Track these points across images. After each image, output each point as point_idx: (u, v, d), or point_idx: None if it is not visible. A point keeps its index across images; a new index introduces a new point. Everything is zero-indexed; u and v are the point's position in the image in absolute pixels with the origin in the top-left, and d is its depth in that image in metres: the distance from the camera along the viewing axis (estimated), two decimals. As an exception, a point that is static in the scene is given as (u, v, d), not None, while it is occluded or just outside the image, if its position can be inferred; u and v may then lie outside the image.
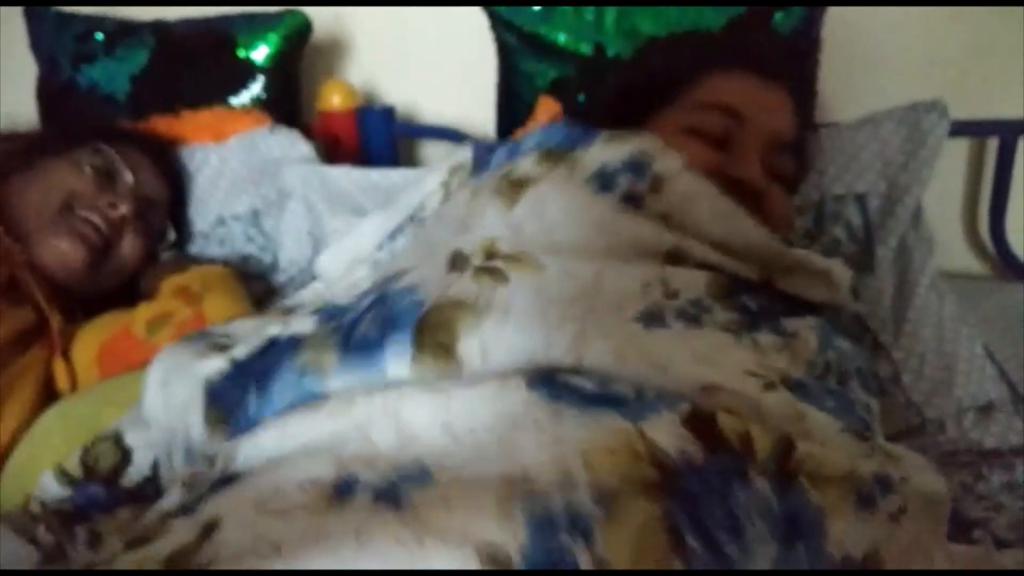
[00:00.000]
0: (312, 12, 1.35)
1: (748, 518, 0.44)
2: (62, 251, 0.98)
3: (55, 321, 0.95)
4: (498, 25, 1.22)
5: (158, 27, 1.33)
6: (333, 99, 1.33)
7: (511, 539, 0.41)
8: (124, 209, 1.02)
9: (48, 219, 0.99)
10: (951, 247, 1.31)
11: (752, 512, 0.44)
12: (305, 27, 1.33)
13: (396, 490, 0.45)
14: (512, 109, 1.22)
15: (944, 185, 1.28)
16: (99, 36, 1.32)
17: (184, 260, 1.11)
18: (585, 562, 0.41)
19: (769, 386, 0.54)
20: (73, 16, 1.37)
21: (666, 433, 0.46)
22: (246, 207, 1.18)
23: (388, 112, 1.37)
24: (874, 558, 0.48)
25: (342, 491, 0.46)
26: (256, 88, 1.30)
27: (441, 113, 1.43)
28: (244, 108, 1.28)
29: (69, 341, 0.96)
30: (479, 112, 1.34)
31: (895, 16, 1.25)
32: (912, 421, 0.86)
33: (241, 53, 1.29)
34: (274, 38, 1.30)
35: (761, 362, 0.56)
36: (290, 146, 1.17)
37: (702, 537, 0.43)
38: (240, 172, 1.18)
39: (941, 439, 0.84)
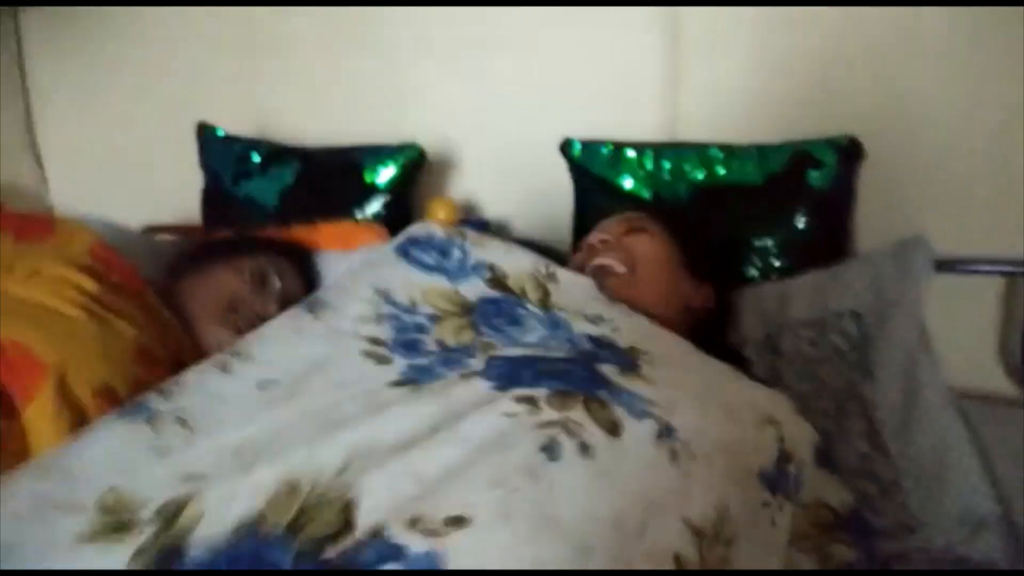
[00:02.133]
0: (423, 134, 1.59)
1: (525, 318, 0.85)
2: (224, 339, 1.17)
3: None
4: (574, 168, 1.44)
5: (303, 152, 1.61)
6: (439, 214, 1.52)
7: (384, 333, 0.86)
8: (273, 308, 1.23)
9: (214, 313, 1.21)
10: (987, 372, 1.42)
11: (528, 316, 0.84)
12: (420, 157, 1.57)
13: None
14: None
15: (980, 312, 1.41)
16: (256, 157, 1.61)
17: None
18: (430, 343, 0.83)
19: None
20: (236, 139, 1.66)
21: (471, 287, 0.89)
22: (365, 306, 1.40)
23: (484, 225, 1.58)
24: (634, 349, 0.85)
25: None
26: (377, 205, 1.54)
27: (529, 228, 1.64)
28: (367, 222, 1.52)
29: None
30: (560, 226, 1.54)
31: (934, 158, 1.38)
32: (908, 523, 0.98)
33: (368, 177, 1.55)
34: (395, 165, 1.55)
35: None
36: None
37: (489, 326, 0.83)
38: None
39: (931, 545, 0.95)
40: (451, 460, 0.65)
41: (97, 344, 1.00)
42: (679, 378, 0.83)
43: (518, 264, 0.97)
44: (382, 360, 0.82)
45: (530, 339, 0.86)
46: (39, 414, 0.89)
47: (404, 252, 1.01)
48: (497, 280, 0.94)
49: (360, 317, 0.90)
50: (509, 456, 0.65)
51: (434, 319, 0.89)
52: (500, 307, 0.90)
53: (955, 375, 1.11)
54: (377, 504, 0.62)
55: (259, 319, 1.21)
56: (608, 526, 0.63)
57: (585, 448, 0.67)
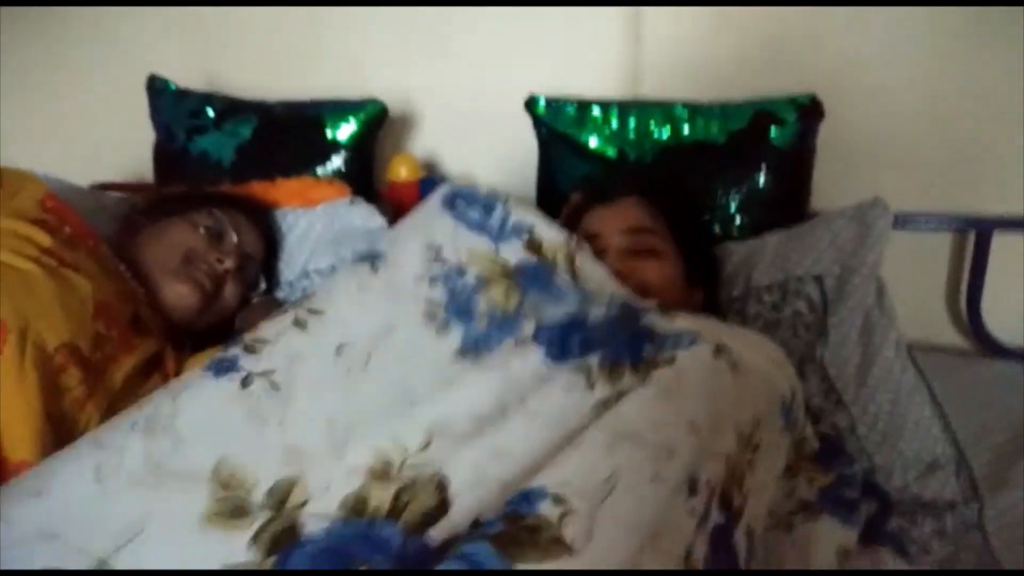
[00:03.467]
0: (385, 91, 1.57)
1: (558, 288, 0.89)
2: (181, 294, 1.18)
3: (168, 350, 1.14)
4: (539, 125, 1.44)
5: (261, 107, 1.57)
6: (400, 171, 1.54)
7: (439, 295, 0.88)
8: (229, 264, 1.23)
9: (170, 268, 1.19)
10: (934, 323, 1.48)
11: (560, 287, 0.89)
12: (382, 113, 1.55)
13: None
14: (550, 196, 1.43)
15: (930, 268, 1.46)
16: (211, 112, 1.57)
17: (273, 304, 1.30)
18: (482, 305, 0.85)
19: None
20: (189, 93, 1.61)
21: (510, 250, 0.92)
22: (327, 264, 1.38)
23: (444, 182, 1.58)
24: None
25: None
26: (338, 162, 1.52)
27: (491, 184, 1.62)
28: (328, 179, 1.50)
29: (180, 369, 1.13)
30: (524, 186, 1.54)
31: (888, 120, 1.42)
32: (864, 466, 1.02)
33: (328, 134, 1.52)
34: (356, 121, 1.52)
35: None
36: (369, 217, 1.38)
37: (531, 285, 0.87)
38: (324, 235, 1.39)
39: (887, 485, 1.01)
40: (526, 435, 0.70)
41: (56, 300, 0.97)
42: (710, 323, 0.89)
43: (552, 234, 0.98)
44: (441, 327, 0.86)
45: (568, 309, 0.88)
46: (2, 373, 0.86)
47: (451, 204, 1.01)
48: (534, 244, 0.96)
49: (416, 276, 0.92)
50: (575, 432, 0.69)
51: (482, 280, 0.91)
52: (536, 274, 0.92)
53: (906, 327, 1.15)
54: (466, 481, 0.66)
55: (214, 274, 1.22)
56: (684, 429, 0.68)
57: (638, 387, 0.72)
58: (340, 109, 1.53)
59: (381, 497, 0.66)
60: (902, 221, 1.30)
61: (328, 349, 0.79)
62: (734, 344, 0.81)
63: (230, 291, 1.25)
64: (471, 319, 0.86)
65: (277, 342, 0.81)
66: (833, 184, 1.40)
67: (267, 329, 0.86)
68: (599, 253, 1.10)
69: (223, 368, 0.79)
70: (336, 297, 0.90)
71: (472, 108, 1.62)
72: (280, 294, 1.40)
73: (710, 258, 1.24)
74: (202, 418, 0.72)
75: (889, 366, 1.11)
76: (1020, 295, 1.39)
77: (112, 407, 0.99)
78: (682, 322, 0.84)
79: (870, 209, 1.18)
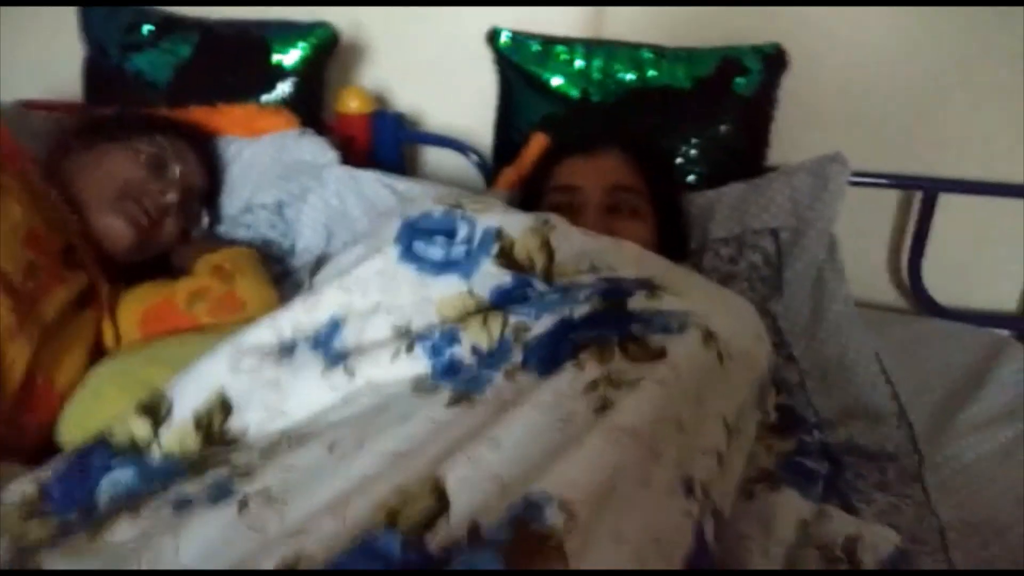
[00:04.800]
0: (335, 19, 1.49)
1: (538, 285, 0.86)
2: (116, 228, 1.11)
3: (102, 285, 1.08)
4: (500, 60, 1.39)
5: (202, 25, 1.46)
6: (351, 103, 1.48)
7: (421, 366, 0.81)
8: (172, 197, 1.15)
9: (106, 199, 1.11)
10: (876, 282, 1.51)
11: (538, 286, 0.85)
12: (333, 38, 1.47)
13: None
14: (508, 134, 1.39)
15: (875, 228, 1.49)
16: (146, 28, 1.46)
17: (213, 240, 1.25)
18: (466, 354, 0.81)
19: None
20: (123, 6, 1.49)
21: (482, 278, 0.86)
22: (272, 198, 1.32)
23: (398, 119, 1.53)
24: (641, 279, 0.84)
25: None
26: (285, 89, 1.44)
27: (445, 123, 1.59)
28: (274, 107, 1.42)
29: (114, 304, 1.08)
30: (481, 125, 1.50)
31: (846, 77, 1.43)
32: (811, 419, 1.04)
33: (275, 57, 1.44)
34: (305, 46, 1.44)
35: None
36: (320, 152, 1.32)
37: (503, 304, 0.84)
38: (271, 167, 1.33)
39: (832, 438, 1.03)
40: (519, 422, 0.67)
41: (-19, 224, 0.90)
42: (698, 293, 0.86)
43: (519, 222, 0.92)
44: (431, 390, 0.80)
45: (552, 298, 0.85)
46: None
47: (409, 250, 0.92)
48: (505, 253, 0.90)
49: (392, 357, 0.85)
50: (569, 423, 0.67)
51: (459, 328, 0.85)
52: (513, 293, 0.87)
53: (851, 285, 1.17)
54: (463, 476, 0.62)
55: (155, 207, 1.14)
56: (672, 428, 0.67)
57: (634, 384, 0.70)
58: (287, 32, 1.45)
59: (378, 508, 0.62)
60: (852, 178, 1.31)
61: (320, 452, 0.74)
62: (722, 320, 0.79)
63: (170, 226, 1.18)
64: (459, 371, 0.81)
65: (268, 464, 0.74)
66: (789, 139, 1.40)
67: (252, 448, 0.79)
68: (578, 208, 1.08)
69: (218, 494, 0.71)
70: (320, 415, 0.83)
71: (428, 40, 1.56)
72: (221, 229, 1.34)
73: (682, 225, 1.22)
74: (205, 552, 0.66)
75: (838, 321, 1.13)
76: (960, 257, 1.44)
77: (44, 341, 0.94)
78: (670, 299, 0.81)
79: (829, 164, 1.19)
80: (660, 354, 0.73)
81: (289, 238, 1.33)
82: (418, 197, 1.06)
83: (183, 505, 0.71)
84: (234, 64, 1.44)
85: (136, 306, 1.09)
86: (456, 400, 0.75)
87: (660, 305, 0.80)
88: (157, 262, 1.18)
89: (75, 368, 0.99)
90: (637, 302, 0.81)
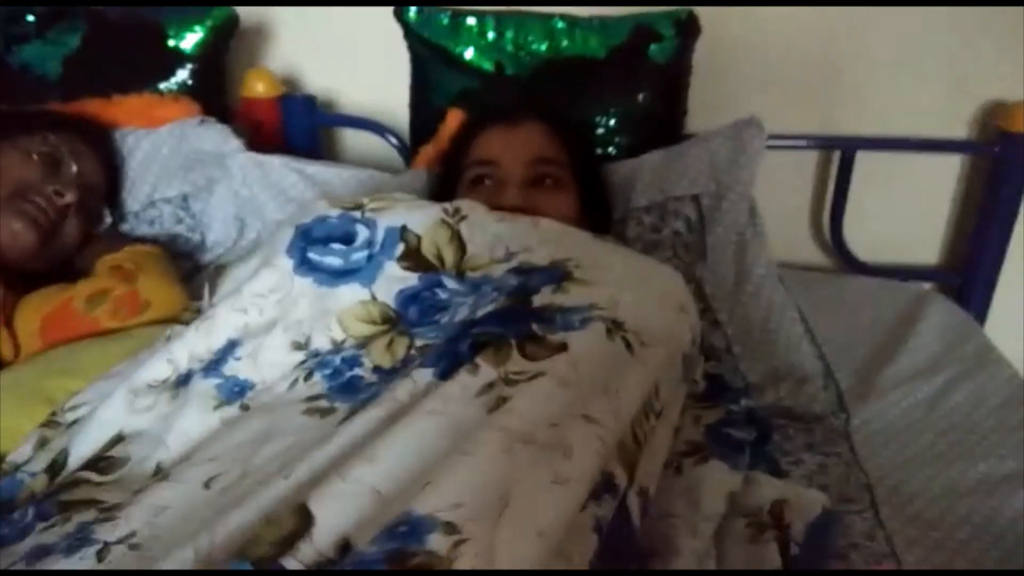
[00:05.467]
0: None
1: (448, 299, 0.81)
2: (15, 231, 1.05)
3: (1, 293, 1.02)
4: (410, 35, 1.34)
5: (91, 13, 1.38)
6: (257, 87, 1.42)
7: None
8: (70, 197, 1.09)
9: (3, 203, 1.05)
10: (800, 243, 1.52)
11: (450, 296, 0.81)
12: (232, 20, 1.40)
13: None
14: (425, 112, 1.35)
15: (796, 189, 1.50)
16: (30, 17, 1.36)
17: (117, 239, 1.18)
18: (367, 374, 0.77)
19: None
20: (1, -3, 1.40)
21: (386, 282, 0.82)
22: (176, 191, 1.26)
23: (310, 101, 1.47)
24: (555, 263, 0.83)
25: None
26: (184, 75, 1.37)
27: (359, 103, 1.53)
28: (173, 95, 1.35)
29: (11, 312, 1.02)
30: (397, 104, 1.45)
31: (758, 41, 1.42)
32: (738, 384, 1.03)
33: (171, 42, 1.36)
34: (202, 29, 1.37)
35: None
36: (222, 140, 1.26)
37: (419, 324, 0.80)
38: (171, 159, 1.26)
39: (760, 401, 1.02)
40: (401, 432, 0.63)
41: None
42: (610, 276, 0.83)
43: (426, 217, 0.87)
44: (326, 412, 0.75)
45: (461, 316, 0.81)
46: None
47: (304, 261, 0.86)
48: (411, 252, 0.85)
49: (288, 384, 0.80)
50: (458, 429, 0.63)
51: (361, 344, 0.80)
52: (421, 300, 0.82)
53: (771, 247, 1.17)
54: (329, 491, 0.57)
55: (53, 208, 1.09)
56: (580, 423, 0.64)
57: (531, 380, 0.67)
58: (183, 15, 1.38)
59: (231, 540, 0.58)
60: (770, 141, 1.31)
61: (195, 487, 0.68)
62: (633, 306, 0.77)
63: (71, 227, 1.13)
64: (358, 392, 0.77)
65: (134, 503, 0.68)
66: (705, 106, 1.39)
67: (125, 494, 0.72)
68: (499, 183, 1.05)
69: (75, 545, 0.66)
70: (203, 445, 0.77)
71: (336, 18, 1.49)
72: (125, 226, 1.28)
73: (604, 196, 1.20)
74: None
75: (761, 283, 1.13)
76: (880, 214, 1.45)
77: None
78: (577, 291, 0.79)
79: (746, 128, 1.18)
80: (560, 349, 0.70)
81: (198, 232, 1.27)
82: (313, 201, 0.97)
83: (38, 555, 0.66)
84: (128, 52, 1.37)
85: (34, 313, 1.03)
86: (350, 415, 0.71)
87: (565, 301, 0.77)
88: (61, 269, 1.12)
89: (-28, 380, 0.93)
90: (543, 298, 0.78)
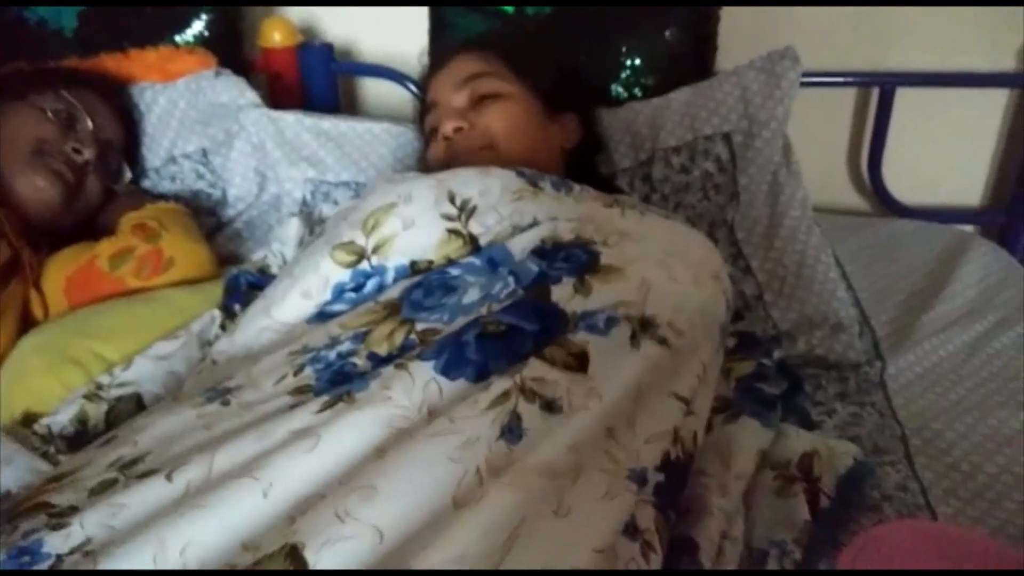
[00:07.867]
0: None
1: (458, 278, 0.77)
2: (40, 187, 1.05)
3: (26, 254, 1.02)
4: (429, -23, 1.30)
5: (104, -35, 1.36)
6: (274, 36, 1.38)
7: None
8: (88, 154, 1.09)
9: (21, 160, 1.05)
10: (836, 186, 1.47)
11: (460, 275, 0.77)
12: (247, -32, 1.37)
13: None
14: (442, 56, 1.31)
15: (832, 130, 1.44)
16: (43, -28, 1.35)
17: (139, 196, 1.18)
18: (360, 362, 0.72)
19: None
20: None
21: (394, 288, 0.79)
22: (195, 146, 1.25)
23: (328, 49, 1.43)
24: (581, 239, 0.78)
25: None
26: (199, 26, 1.35)
27: (378, 51, 1.50)
28: (189, 46, 1.33)
29: (39, 273, 1.03)
30: (415, 51, 1.41)
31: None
32: (769, 332, 1.01)
33: (185, -9, 1.33)
34: (217, -23, 1.34)
35: None
36: (238, 93, 1.24)
37: (424, 309, 0.75)
38: (189, 113, 1.25)
39: (791, 350, 0.99)
40: (404, 462, 0.58)
41: None
42: (640, 250, 0.78)
43: (430, 234, 0.82)
44: (304, 392, 0.71)
45: (471, 299, 0.76)
46: None
47: (320, 315, 0.83)
48: (420, 271, 0.82)
49: (278, 380, 0.74)
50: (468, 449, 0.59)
51: (361, 337, 0.75)
52: (428, 284, 0.78)
53: (808, 189, 1.12)
54: (327, 534, 0.53)
55: (72, 166, 1.09)
56: (601, 436, 0.62)
57: (550, 405, 0.63)
58: (198, -35, 1.34)
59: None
60: (805, 79, 1.25)
61: (159, 486, 0.62)
62: (664, 291, 0.73)
63: (91, 185, 1.12)
64: (349, 379, 0.70)
65: (89, 507, 0.62)
66: (736, 43, 1.33)
67: (84, 503, 0.64)
68: (449, 144, 1.00)
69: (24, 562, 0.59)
70: (175, 446, 0.69)
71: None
72: (146, 182, 1.28)
73: (571, 76, 1.15)
74: None
75: (796, 226, 1.09)
76: (920, 153, 1.39)
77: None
78: (601, 286, 0.73)
79: (780, 60, 1.14)
80: (581, 359, 0.66)
81: (219, 188, 1.26)
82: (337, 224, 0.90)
83: None
84: (141, 4, 1.34)
85: (59, 273, 1.04)
86: (332, 403, 0.65)
87: (588, 303, 0.71)
88: (85, 228, 1.12)
89: (6, 343, 0.95)
90: (563, 291, 0.73)
